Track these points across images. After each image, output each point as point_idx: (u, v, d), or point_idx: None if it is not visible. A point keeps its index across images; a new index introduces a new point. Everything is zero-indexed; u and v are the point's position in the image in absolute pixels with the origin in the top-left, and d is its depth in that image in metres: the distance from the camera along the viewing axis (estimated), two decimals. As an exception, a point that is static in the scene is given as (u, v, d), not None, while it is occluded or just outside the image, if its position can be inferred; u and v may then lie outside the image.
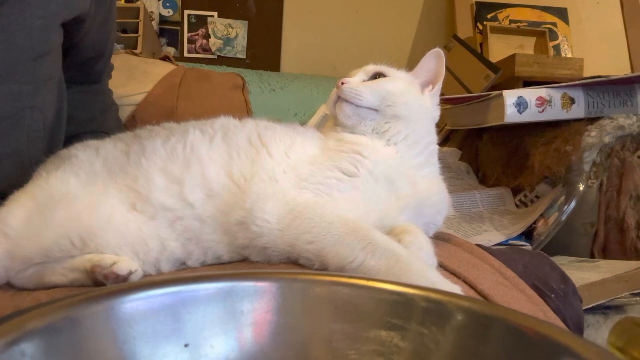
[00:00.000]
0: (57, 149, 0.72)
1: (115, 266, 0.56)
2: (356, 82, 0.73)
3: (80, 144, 0.70)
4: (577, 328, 0.71)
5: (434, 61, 0.76)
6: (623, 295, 0.96)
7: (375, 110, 0.70)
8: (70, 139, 0.78)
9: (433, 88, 0.77)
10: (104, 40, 0.96)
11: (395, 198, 0.66)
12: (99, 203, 0.61)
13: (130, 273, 0.56)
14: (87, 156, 0.66)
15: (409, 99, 0.72)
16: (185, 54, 2.19)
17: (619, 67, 1.97)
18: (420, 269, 0.52)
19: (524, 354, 0.28)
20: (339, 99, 0.71)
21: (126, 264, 0.57)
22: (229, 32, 2.20)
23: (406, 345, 0.32)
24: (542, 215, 1.11)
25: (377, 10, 2.25)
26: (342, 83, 0.72)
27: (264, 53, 2.22)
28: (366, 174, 0.64)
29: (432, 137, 0.76)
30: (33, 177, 0.66)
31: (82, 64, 0.95)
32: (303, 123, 1.50)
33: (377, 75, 0.74)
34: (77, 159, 0.66)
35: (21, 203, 0.61)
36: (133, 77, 1.38)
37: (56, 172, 0.64)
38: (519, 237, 1.11)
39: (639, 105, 1.14)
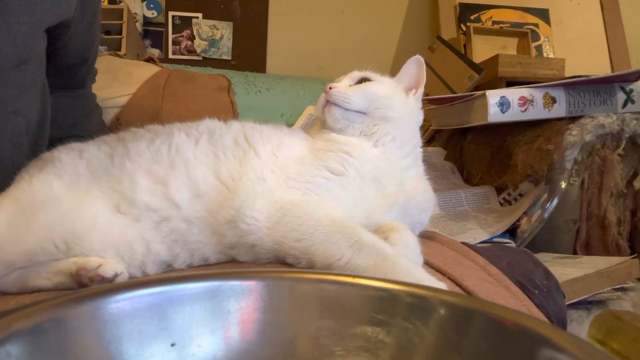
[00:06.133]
0: (41, 153, 0.71)
1: (100, 268, 0.56)
2: (344, 87, 0.74)
3: (63, 147, 0.69)
4: (561, 323, 0.73)
5: (415, 67, 0.78)
6: (605, 290, 0.98)
7: (364, 113, 0.71)
8: (54, 144, 0.77)
9: (416, 92, 0.78)
10: (88, 45, 0.95)
11: (382, 196, 0.66)
12: (83, 206, 0.61)
13: (116, 275, 0.56)
14: (70, 159, 0.66)
15: (396, 101, 0.74)
16: (170, 56, 2.17)
17: (600, 67, 2.01)
18: (407, 267, 0.53)
19: (505, 345, 0.29)
20: (328, 103, 0.72)
21: (112, 266, 0.56)
22: (214, 34, 2.19)
23: (391, 340, 0.32)
24: (525, 213, 1.13)
25: (362, 12, 2.26)
26: (330, 88, 0.73)
27: (250, 54, 2.21)
28: (354, 173, 0.65)
29: (418, 140, 0.78)
30: (15, 180, 0.65)
31: (66, 69, 0.94)
32: (290, 124, 1.50)
33: (362, 81, 0.76)
34: (60, 162, 0.65)
35: (3, 207, 0.61)
36: (117, 79, 1.37)
37: (39, 175, 0.63)
38: (503, 235, 1.12)
39: (618, 104, 1.16)
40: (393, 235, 0.61)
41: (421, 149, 0.78)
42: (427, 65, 0.80)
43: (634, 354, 0.43)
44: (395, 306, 0.34)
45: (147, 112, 1.30)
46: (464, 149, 1.47)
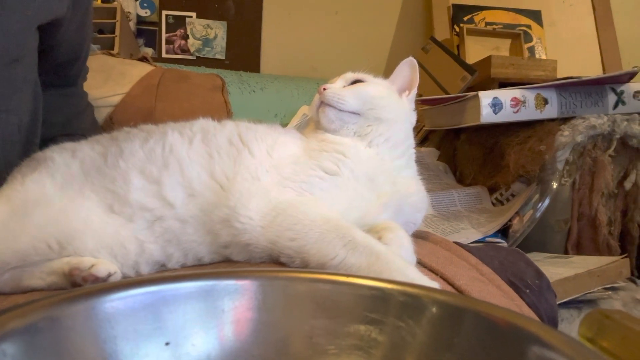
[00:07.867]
0: (33, 152, 0.71)
1: (94, 268, 0.55)
2: (338, 88, 0.74)
3: (56, 147, 0.69)
4: (552, 322, 0.74)
5: (408, 69, 0.79)
6: (596, 289, 0.99)
7: (358, 114, 0.72)
8: (46, 142, 0.77)
9: (409, 94, 0.79)
10: (80, 43, 0.95)
11: (376, 196, 0.67)
12: (76, 206, 0.61)
13: (109, 275, 0.56)
14: (63, 158, 0.65)
15: (390, 102, 0.75)
16: (164, 55, 2.16)
17: (592, 68, 2.02)
18: (400, 266, 0.53)
19: (496, 343, 0.29)
20: (322, 104, 0.73)
21: (105, 266, 0.56)
22: (207, 33, 2.19)
23: (384, 338, 0.32)
24: (517, 213, 1.14)
25: (356, 12, 2.26)
26: (324, 89, 0.73)
27: (244, 54, 2.21)
28: (348, 173, 0.65)
29: (411, 141, 0.78)
30: (8, 180, 0.65)
31: (58, 67, 0.94)
32: (284, 124, 1.50)
33: (356, 82, 0.76)
34: (53, 162, 0.65)
35: (-4, 206, 0.60)
36: (110, 79, 1.37)
37: (32, 175, 0.63)
38: (495, 235, 1.13)
39: (609, 106, 1.17)
40: (387, 234, 0.61)
41: (414, 150, 0.79)
42: (421, 65, 0.81)
43: (623, 353, 0.43)
44: (388, 305, 0.34)
45: (141, 112, 1.30)
46: (457, 150, 1.48)
